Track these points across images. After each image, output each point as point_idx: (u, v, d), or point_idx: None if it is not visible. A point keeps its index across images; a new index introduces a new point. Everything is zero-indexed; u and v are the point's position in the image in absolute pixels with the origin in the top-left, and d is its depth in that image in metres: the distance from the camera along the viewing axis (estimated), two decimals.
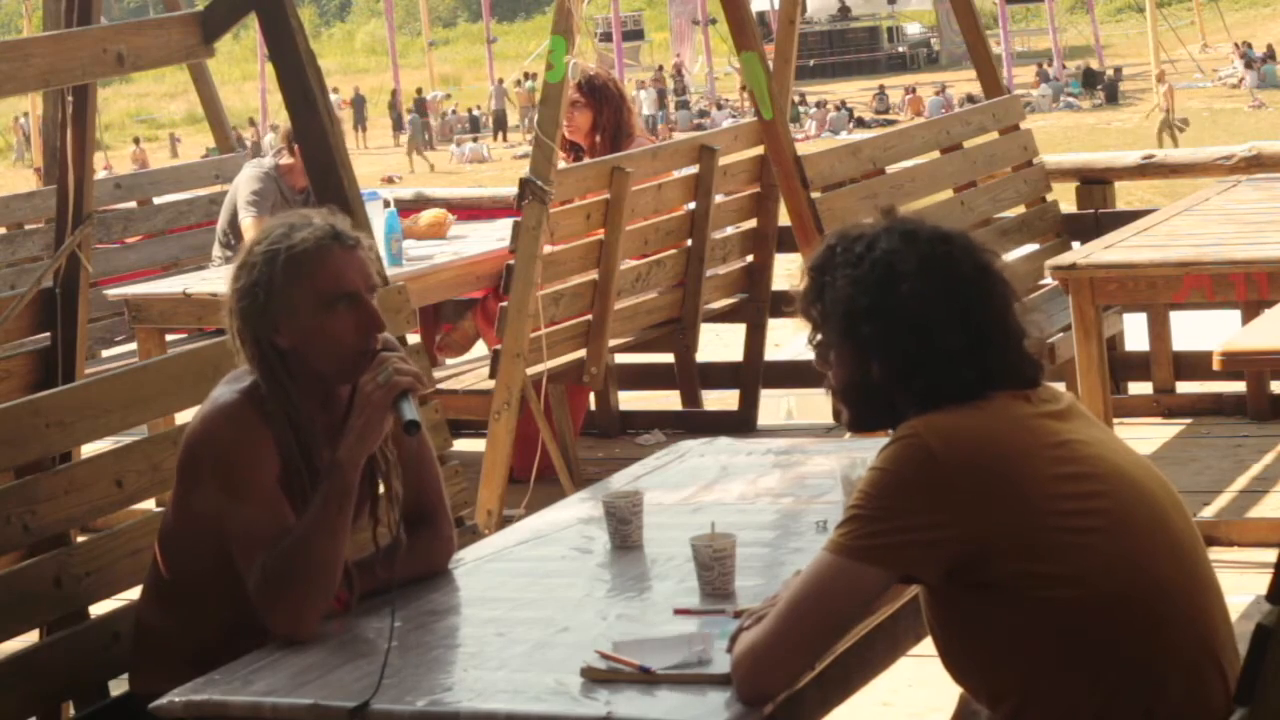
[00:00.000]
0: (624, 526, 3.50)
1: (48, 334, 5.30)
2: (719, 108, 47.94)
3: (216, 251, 7.78)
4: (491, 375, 6.24)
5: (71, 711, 3.83)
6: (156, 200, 8.51)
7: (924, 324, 2.76)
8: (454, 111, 52.72)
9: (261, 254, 3.35)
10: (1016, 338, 2.81)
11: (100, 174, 7.50)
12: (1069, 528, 2.67)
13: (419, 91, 52.44)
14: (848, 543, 2.69)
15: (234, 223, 7.65)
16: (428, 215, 7.38)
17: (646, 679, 2.79)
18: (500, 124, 50.47)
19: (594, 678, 2.82)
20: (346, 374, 3.35)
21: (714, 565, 3.11)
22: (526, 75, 50.98)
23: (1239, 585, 5.33)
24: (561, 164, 6.45)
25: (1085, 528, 2.67)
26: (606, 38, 51.49)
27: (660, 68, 54.11)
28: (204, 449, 3.33)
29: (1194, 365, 7.24)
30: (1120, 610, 2.66)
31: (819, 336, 2.87)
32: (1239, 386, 7.23)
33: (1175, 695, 2.66)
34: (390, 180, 38.90)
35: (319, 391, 3.38)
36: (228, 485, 3.28)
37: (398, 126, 52.80)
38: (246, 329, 3.37)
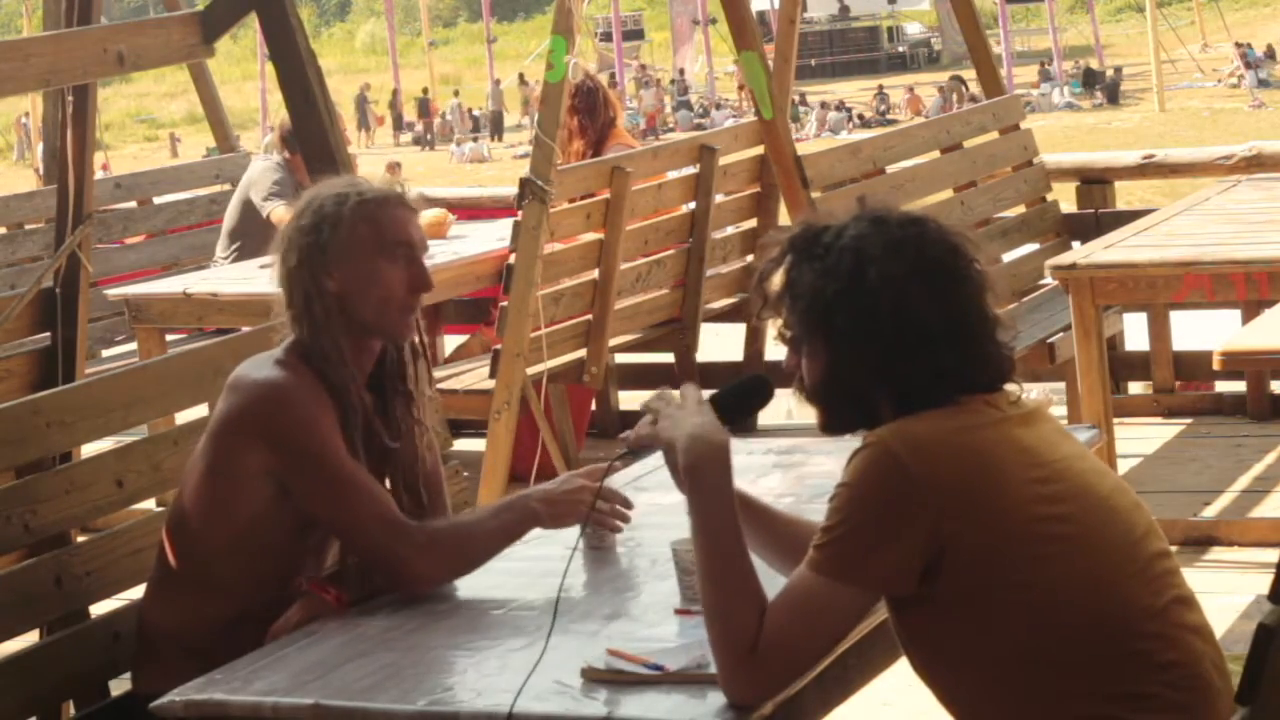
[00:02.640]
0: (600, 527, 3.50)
1: (48, 334, 5.30)
2: (718, 108, 47.94)
3: (221, 251, 7.77)
4: (491, 375, 6.24)
5: (72, 711, 3.83)
6: (156, 200, 8.51)
7: (896, 308, 2.68)
8: (454, 110, 52.72)
9: (331, 196, 3.42)
10: (992, 324, 2.74)
11: (99, 174, 7.49)
12: (1040, 536, 2.62)
13: (424, 91, 52.46)
14: (828, 563, 2.65)
15: (245, 218, 7.65)
16: (428, 215, 7.37)
17: (646, 679, 2.79)
18: (496, 126, 50.46)
19: (594, 678, 2.82)
20: (387, 324, 3.43)
21: (694, 570, 3.10)
22: (522, 77, 51.01)
23: (1240, 585, 5.35)
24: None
25: (1055, 536, 2.63)
26: (607, 38, 51.49)
27: (642, 66, 53.99)
28: (274, 423, 3.34)
29: (1194, 365, 7.25)
30: (1090, 628, 2.62)
31: (789, 332, 2.79)
32: (1239, 386, 7.24)
33: (1150, 712, 2.64)
34: (393, 171, 38.95)
35: (352, 342, 3.42)
36: (309, 455, 3.32)
37: (398, 126, 52.85)
38: (301, 267, 3.40)
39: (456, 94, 52.53)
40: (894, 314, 2.69)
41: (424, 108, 51.76)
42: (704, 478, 2.80)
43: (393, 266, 3.41)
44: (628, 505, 3.44)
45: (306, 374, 3.37)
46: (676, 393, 2.92)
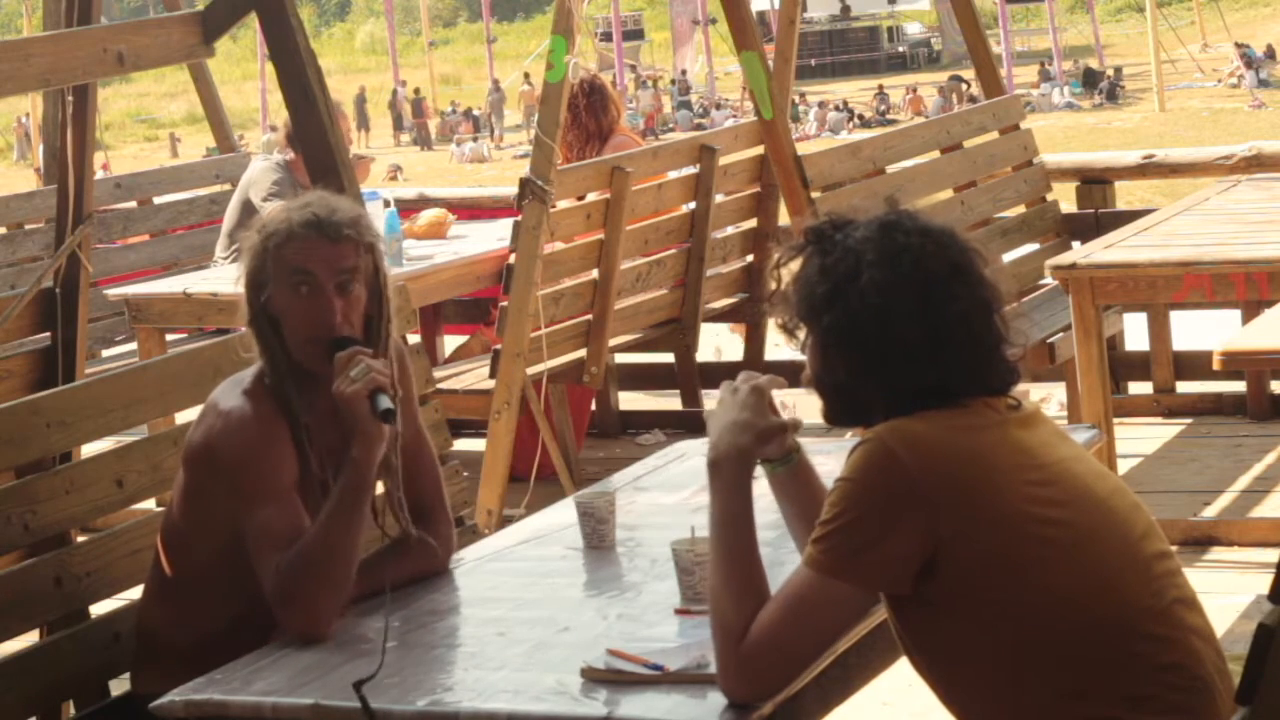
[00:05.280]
0: (601, 526, 3.51)
1: (48, 334, 5.30)
2: (718, 108, 47.95)
3: (221, 251, 7.76)
4: (491, 375, 6.24)
5: (72, 711, 3.83)
6: (156, 200, 8.51)
7: (880, 317, 2.69)
8: (453, 110, 52.73)
9: (255, 233, 3.41)
10: (987, 343, 2.74)
11: (99, 174, 7.49)
12: (1036, 537, 2.62)
13: (416, 91, 52.47)
14: (824, 559, 2.65)
15: (245, 217, 7.63)
16: (428, 215, 7.39)
17: (646, 679, 2.79)
18: (492, 126, 50.48)
19: (594, 678, 2.82)
20: (302, 356, 3.37)
21: (695, 570, 3.11)
22: (527, 77, 51.05)
23: (1240, 585, 5.35)
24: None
25: (1052, 538, 2.63)
26: (607, 38, 51.50)
27: (633, 66, 53.93)
28: (223, 456, 3.32)
29: (1194, 365, 7.25)
30: (1089, 629, 2.62)
31: (784, 319, 2.82)
32: (1239, 386, 7.24)
33: (1150, 713, 2.64)
34: (394, 175, 38.99)
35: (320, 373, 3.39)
36: (245, 489, 3.29)
37: (398, 126, 52.85)
38: (249, 289, 3.40)
39: (417, 91, 52.42)
40: (877, 322, 2.71)
41: (417, 108, 51.74)
42: (723, 473, 2.82)
43: (299, 300, 3.34)
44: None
45: (266, 404, 3.35)
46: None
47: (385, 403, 3.28)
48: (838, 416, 2.84)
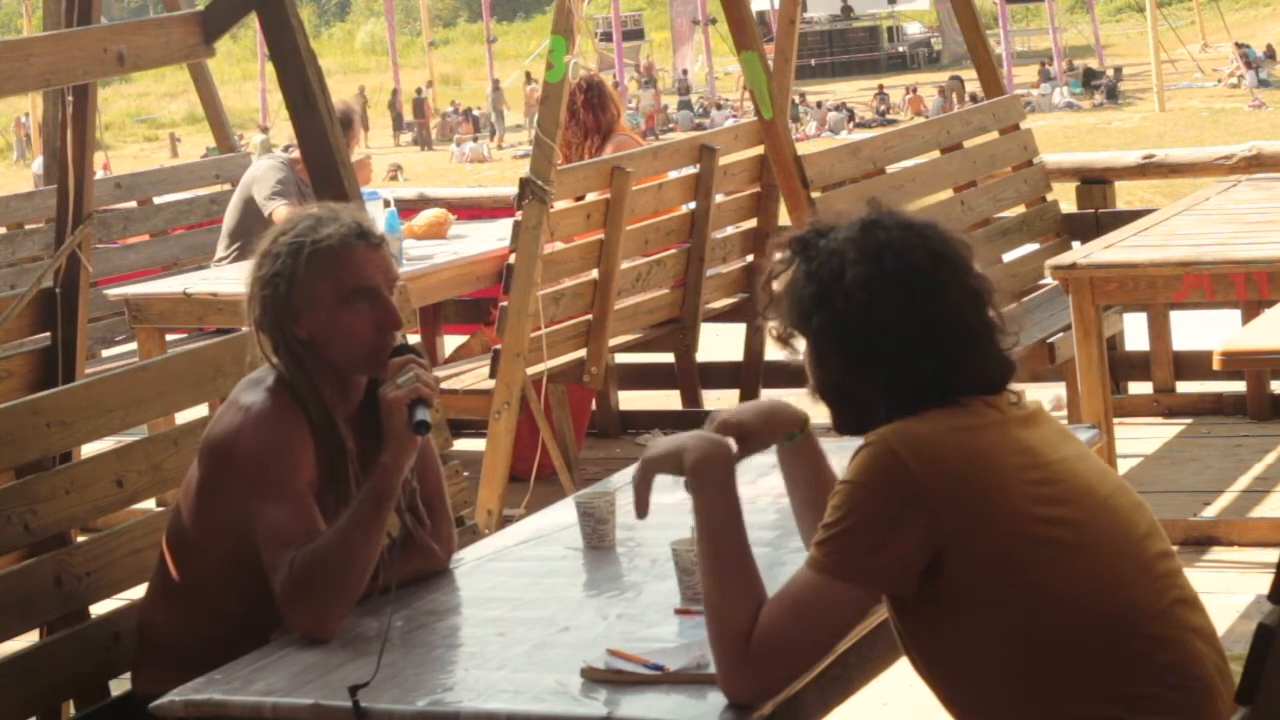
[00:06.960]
0: (601, 526, 3.51)
1: (48, 334, 5.30)
2: (719, 108, 47.95)
3: (221, 251, 7.76)
4: (491, 375, 6.24)
5: (72, 711, 3.83)
6: (156, 200, 8.52)
7: (868, 314, 2.69)
8: (454, 109, 52.73)
9: (286, 245, 3.36)
10: (979, 336, 2.73)
11: (99, 174, 7.49)
12: (1039, 537, 2.62)
13: (418, 92, 52.49)
14: (828, 561, 2.65)
15: (245, 217, 7.64)
16: (428, 215, 7.39)
17: (646, 679, 2.79)
18: (493, 127, 50.48)
19: (594, 678, 2.82)
20: (360, 367, 3.38)
21: (695, 570, 3.10)
22: (529, 76, 51.06)
23: (1240, 585, 5.36)
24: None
25: (1054, 538, 2.63)
26: (607, 38, 51.51)
27: (636, 67, 53.97)
28: (242, 451, 3.31)
29: (1194, 365, 7.25)
30: (1091, 629, 2.62)
31: (778, 329, 2.82)
32: (1239, 386, 7.24)
33: (1149, 713, 2.64)
34: (394, 175, 38.99)
35: (336, 380, 3.39)
36: (261, 487, 3.27)
37: (398, 126, 52.87)
38: (266, 317, 3.37)
39: (419, 91, 52.42)
40: (865, 318, 2.71)
41: (419, 108, 51.74)
42: (707, 475, 2.82)
43: (356, 313, 3.34)
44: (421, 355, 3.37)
45: (288, 404, 3.34)
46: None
47: (422, 415, 3.28)
48: (845, 424, 2.82)
